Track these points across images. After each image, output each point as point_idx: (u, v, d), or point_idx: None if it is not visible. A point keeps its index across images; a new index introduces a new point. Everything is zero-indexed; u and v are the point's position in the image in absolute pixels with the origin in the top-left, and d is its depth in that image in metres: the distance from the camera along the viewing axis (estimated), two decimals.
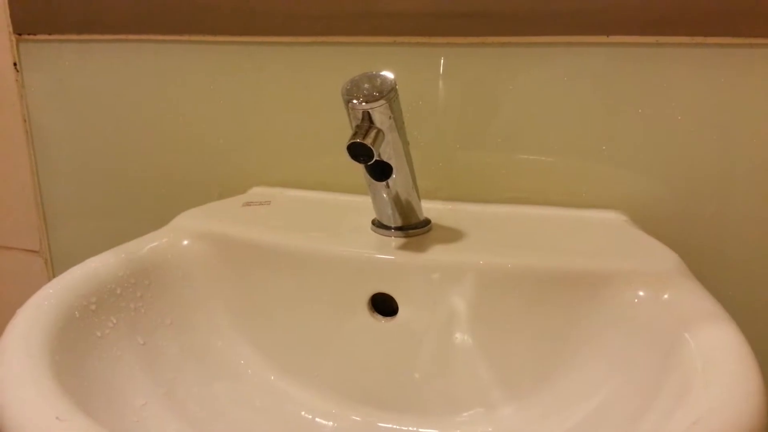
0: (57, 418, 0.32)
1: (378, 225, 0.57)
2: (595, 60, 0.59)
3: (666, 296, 0.45)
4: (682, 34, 0.56)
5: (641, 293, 0.46)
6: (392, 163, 0.50)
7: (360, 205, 0.63)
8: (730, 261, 0.61)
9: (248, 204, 0.65)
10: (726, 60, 0.56)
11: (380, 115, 0.47)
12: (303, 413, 0.52)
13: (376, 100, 0.46)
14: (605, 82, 0.59)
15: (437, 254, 0.52)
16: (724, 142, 0.58)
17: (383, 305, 0.53)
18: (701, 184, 0.60)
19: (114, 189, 0.79)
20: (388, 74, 0.48)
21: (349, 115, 0.48)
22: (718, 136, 0.58)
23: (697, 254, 0.61)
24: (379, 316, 0.53)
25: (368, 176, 0.52)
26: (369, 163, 0.47)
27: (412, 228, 0.56)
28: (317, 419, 0.52)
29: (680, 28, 0.56)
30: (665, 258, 0.49)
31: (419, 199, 0.55)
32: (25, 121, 0.80)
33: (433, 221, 0.58)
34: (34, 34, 0.75)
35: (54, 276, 0.86)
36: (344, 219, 0.61)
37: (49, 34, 0.74)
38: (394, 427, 0.51)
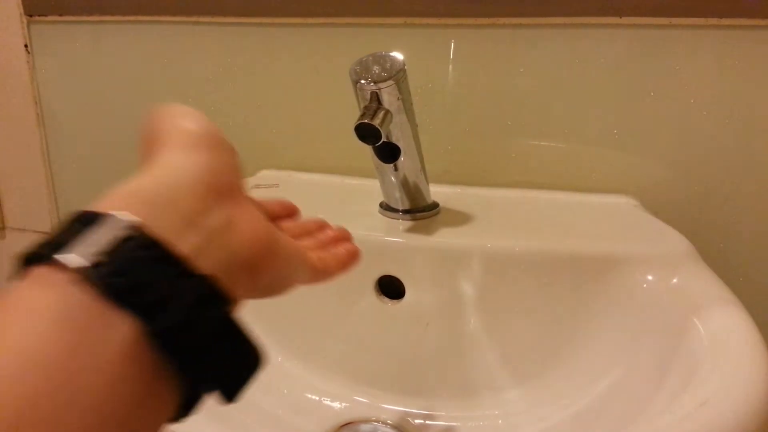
0: None
1: (386, 208, 0.56)
2: (608, 42, 0.58)
3: (675, 281, 0.44)
4: (696, 15, 0.55)
5: (650, 277, 0.45)
6: (400, 144, 0.50)
7: (368, 188, 0.63)
8: (740, 246, 0.61)
9: (256, 187, 0.65)
10: (740, 42, 0.55)
11: (388, 95, 0.46)
12: (309, 394, 0.53)
13: (384, 80, 0.46)
14: (617, 65, 0.58)
15: (444, 237, 0.51)
16: (738, 126, 0.57)
17: (390, 288, 0.53)
18: (713, 169, 0.59)
19: (125, 172, 0.79)
20: (397, 54, 0.47)
21: (357, 96, 0.48)
22: (732, 119, 0.57)
23: (708, 239, 0.60)
24: (386, 299, 0.53)
25: (376, 158, 0.52)
26: (377, 145, 0.46)
27: (419, 211, 0.55)
28: (323, 400, 0.52)
29: (694, 9, 0.55)
30: (675, 242, 0.49)
31: (427, 183, 0.55)
32: (36, 103, 0.80)
33: (441, 205, 0.58)
34: (45, 16, 0.75)
35: None
36: (352, 202, 0.60)
37: (60, 15, 0.74)
38: (400, 408, 0.51)
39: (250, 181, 0.67)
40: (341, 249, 0.32)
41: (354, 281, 0.53)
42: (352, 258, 0.33)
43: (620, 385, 0.43)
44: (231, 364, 0.21)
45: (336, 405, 0.52)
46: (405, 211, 0.55)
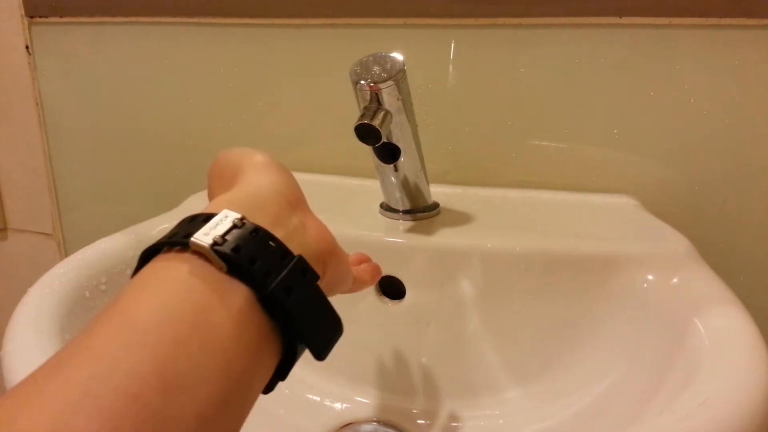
0: None
1: (386, 208, 0.57)
2: (608, 42, 0.58)
3: (675, 280, 0.44)
4: (696, 15, 0.55)
5: (651, 277, 0.45)
6: (400, 145, 0.50)
7: (369, 188, 0.63)
8: (740, 246, 0.61)
9: None
10: (740, 42, 0.55)
11: (388, 96, 0.46)
12: (310, 395, 0.53)
13: (384, 80, 0.46)
14: (618, 65, 0.58)
15: (445, 237, 0.51)
16: (738, 125, 0.57)
17: (391, 288, 0.53)
18: (713, 169, 0.59)
19: (126, 172, 0.79)
20: (397, 55, 0.47)
21: (357, 96, 0.48)
22: (732, 119, 0.57)
23: (708, 239, 0.60)
24: (387, 299, 0.53)
25: (376, 159, 0.52)
26: (377, 145, 0.46)
27: (420, 211, 0.55)
28: (324, 401, 0.52)
29: (693, 9, 0.55)
30: (675, 242, 0.49)
31: (427, 183, 0.55)
32: (37, 104, 0.80)
33: (441, 205, 0.58)
34: (46, 17, 0.75)
35: None
36: (352, 202, 0.61)
37: (61, 16, 0.75)
38: (400, 408, 0.51)
39: None
40: (369, 266, 0.38)
41: None
42: (378, 272, 0.39)
43: (620, 384, 0.43)
44: (321, 326, 0.25)
45: (337, 405, 0.52)
46: (405, 212, 0.55)
